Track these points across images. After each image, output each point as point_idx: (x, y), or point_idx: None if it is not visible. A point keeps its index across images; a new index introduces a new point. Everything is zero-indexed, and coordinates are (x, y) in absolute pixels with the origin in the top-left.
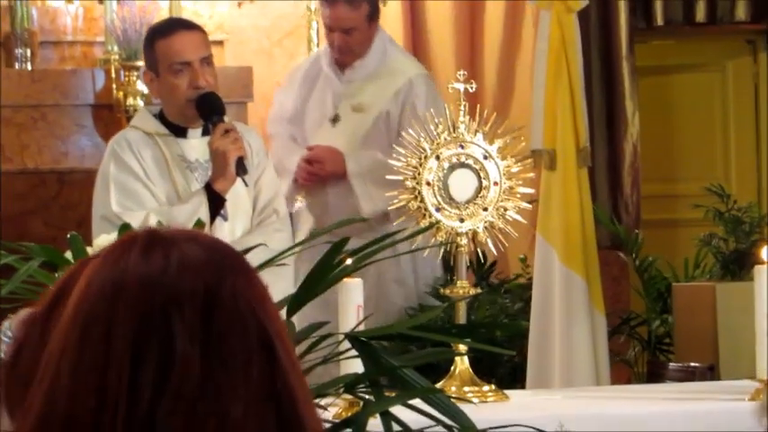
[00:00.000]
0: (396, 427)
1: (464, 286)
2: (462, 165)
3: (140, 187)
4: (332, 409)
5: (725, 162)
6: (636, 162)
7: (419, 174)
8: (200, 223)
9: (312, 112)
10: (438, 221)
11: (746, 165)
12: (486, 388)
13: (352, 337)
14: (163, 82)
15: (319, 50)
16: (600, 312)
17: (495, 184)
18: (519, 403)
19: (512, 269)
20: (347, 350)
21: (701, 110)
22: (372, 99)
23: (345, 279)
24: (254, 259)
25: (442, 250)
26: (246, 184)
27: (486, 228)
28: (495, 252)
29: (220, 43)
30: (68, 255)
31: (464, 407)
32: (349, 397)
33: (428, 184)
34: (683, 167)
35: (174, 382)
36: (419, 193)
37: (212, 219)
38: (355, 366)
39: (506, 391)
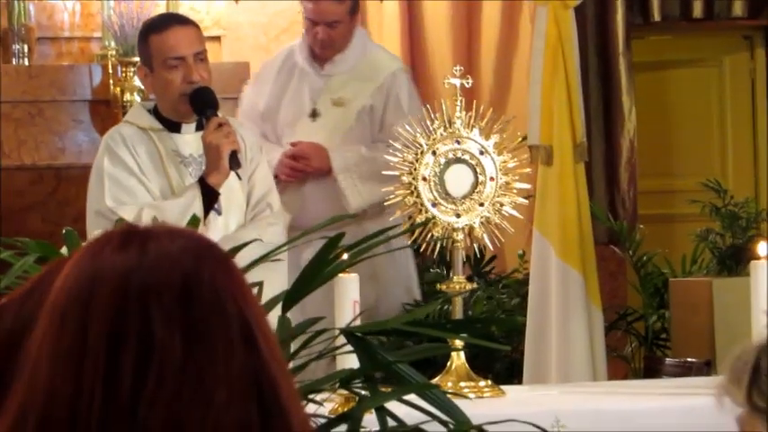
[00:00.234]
0: (391, 422)
1: (460, 281)
2: (458, 160)
3: (134, 182)
4: (328, 404)
5: (722, 158)
6: (633, 157)
7: (415, 169)
8: (195, 220)
9: (287, 108)
10: (434, 217)
11: (743, 160)
12: (482, 383)
13: (348, 332)
14: (157, 77)
15: (292, 45)
16: (597, 307)
17: (492, 179)
18: (515, 398)
19: (509, 264)
20: (343, 345)
21: (698, 106)
22: (354, 93)
23: (341, 274)
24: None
25: (439, 246)
26: (240, 178)
27: (482, 223)
28: (491, 247)
29: (217, 39)
30: (64, 250)
31: (460, 402)
32: (345, 392)
33: (424, 179)
34: (680, 163)
35: (155, 367)
36: (415, 188)
37: (206, 213)
38: (351, 362)
39: (503, 387)
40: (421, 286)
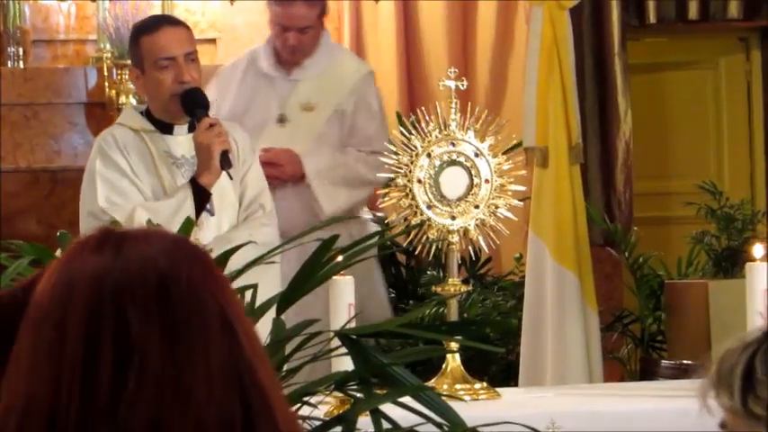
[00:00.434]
0: (385, 424)
1: (455, 284)
2: (453, 162)
3: (127, 183)
4: (323, 407)
5: (718, 159)
6: (628, 159)
7: (410, 171)
8: (189, 222)
9: (253, 114)
10: (429, 219)
11: (739, 162)
12: (477, 385)
13: (342, 334)
14: (148, 78)
15: (253, 51)
16: (592, 310)
17: (487, 181)
18: (511, 401)
19: (505, 266)
20: (337, 347)
21: (693, 107)
22: (324, 97)
23: (335, 277)
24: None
25: (434, 248)
26: (231, 177)
27: (477, 225)
28: (486, 250)
29: (213, 41)
30: (58, 253)
31: (455, 404)
32: (339, 395)
33: (419, 181)
34: (675, 165)
35: (134, 368)
36: (410, 190)
37: (198, 213)
38: (346, 364)
39: (499, 389)
40: (416, 289)
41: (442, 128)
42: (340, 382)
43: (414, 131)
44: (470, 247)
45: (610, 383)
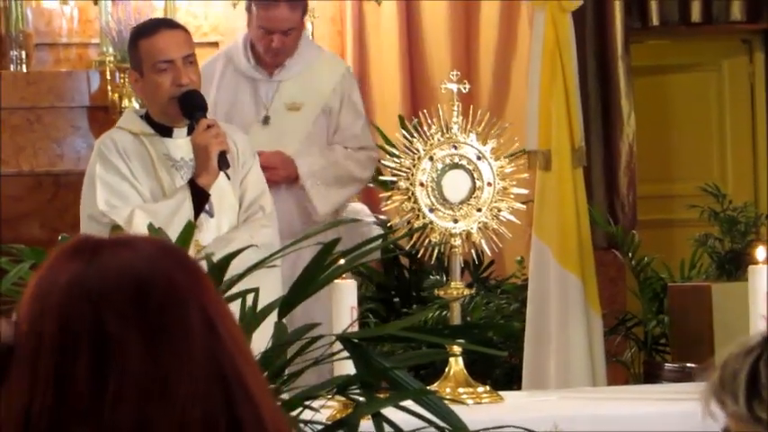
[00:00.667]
0: (388, 428)
1: (458, 287)
2: (456, 165)
3: (127, 186)
4: (325, 410)
5: (721, 162)
6: (632, 162)
7: (413, 174)
8: (189, 226)
9: (236, 117)
10: (431, 222)
11: (743, 165)
12: (480, 389)
13: (344, 338)
14: (147, 81)
15: (226, 52)
16: (596, 313)
17: (489, 184)
18: (514, 404)
19: (508, 270)
20: (339, 351)
21: (697, 110)
22: (309, 96)
23: (338, 280)
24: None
25: (437, 251)
26: (229, 178)
27: (479, 228)
28: (489, 253)
29: (215, 44)
30: None
31: (458, 408)
32: (342, 398)
33: (421, 184)
34: (679, 167)
35: (115, 369)
36: (413, 194)
37: (197, 214)
38: (348, 368)
39: (502, 393)
40: (419, 293)
41: (445, 131)
42: (342, 385)
43: (416, 134)
44: (473, 251)
45: (613, 387)
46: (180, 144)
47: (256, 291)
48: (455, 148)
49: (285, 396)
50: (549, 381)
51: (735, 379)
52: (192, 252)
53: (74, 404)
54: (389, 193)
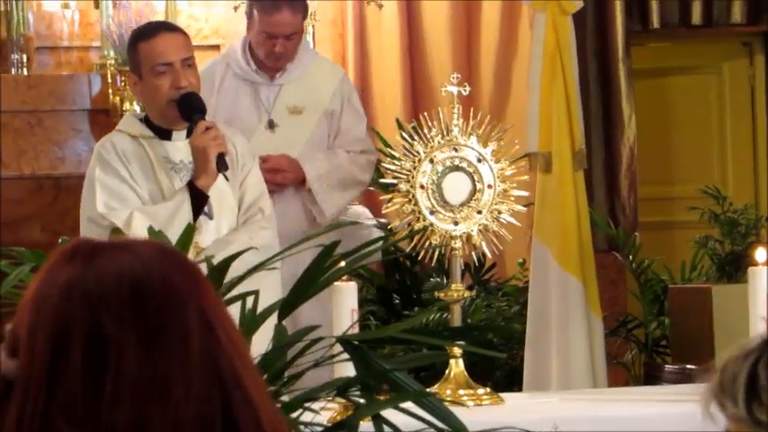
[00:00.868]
0: (388, 430)
1: (458, 289)
2: (456, 168)
3: (126, 189)
4: (325, 412)
5: (722, 164)
6: (633, 165)
7: (413, 177)
8: (189, 228)
9: (237, 121)
10: (432, 224)
11: (743, 167)
12: (481, 391)
13: (344, 340)
14: (146, 84)
15: (226, 56)
16: (597, 315)
17: (489, 186)
18: (514, 406)
19: (509, 272)
20: (339, 353)
21: (697, 112)
22: (311, 99)
23: (338, 283)
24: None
25: (437, 253)
26: (227, 179)
27: (480, 231)
28: (489, 255)
29: (216, 47)
30: None
31: (458, 410)
32: (342, 400)
33: (422, 187)
34: (679, 170)
35: (111, 370)
36: (413, 196)
37: (196, 216)
38: (348, 370)
39: (502, 394)
40: (420, 295)
41: (445, 133)
42: (342, 387)
43: (416, 137)
44: (474, 253)
45: (614, 388)
46: (179, 147)
47: (256, 293)
48: (455, 150)
49: (285, 398)
50: (549, 382)
51: (734, 382)
52: (191, 254)
53: (68, 405)
54: (390, 196)
